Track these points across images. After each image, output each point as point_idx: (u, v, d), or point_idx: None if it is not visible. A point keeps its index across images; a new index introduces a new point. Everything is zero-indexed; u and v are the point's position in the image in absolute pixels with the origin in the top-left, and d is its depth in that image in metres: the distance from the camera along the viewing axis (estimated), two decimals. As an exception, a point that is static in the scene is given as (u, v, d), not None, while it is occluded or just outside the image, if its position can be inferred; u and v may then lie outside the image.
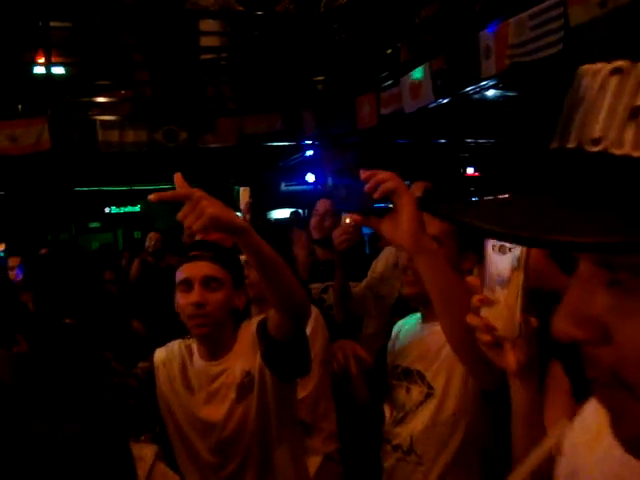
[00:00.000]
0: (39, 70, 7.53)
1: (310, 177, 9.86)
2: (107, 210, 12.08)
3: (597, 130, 0.39)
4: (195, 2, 7.46)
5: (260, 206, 7.65)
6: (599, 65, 0.41)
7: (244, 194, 4.63)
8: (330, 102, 7.76)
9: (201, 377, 1.97)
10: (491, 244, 1.05)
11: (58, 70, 7.71)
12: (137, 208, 11.65)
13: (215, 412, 1.93)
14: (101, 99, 7.45)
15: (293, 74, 7.89)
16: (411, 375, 1.85)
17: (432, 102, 6.08)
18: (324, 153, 8.47)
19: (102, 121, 7.04)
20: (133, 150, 7.05)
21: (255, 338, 1.90)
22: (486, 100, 6.33)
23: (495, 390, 1.42)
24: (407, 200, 1.40)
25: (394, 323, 2.15)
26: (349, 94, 7.51)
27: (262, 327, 1.88)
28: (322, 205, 3.59)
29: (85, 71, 7.91)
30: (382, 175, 1.41)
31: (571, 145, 0.41)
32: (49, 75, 7.18)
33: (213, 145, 7.33)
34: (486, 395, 1.57)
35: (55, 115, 6.94)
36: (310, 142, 8.25)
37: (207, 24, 7.62)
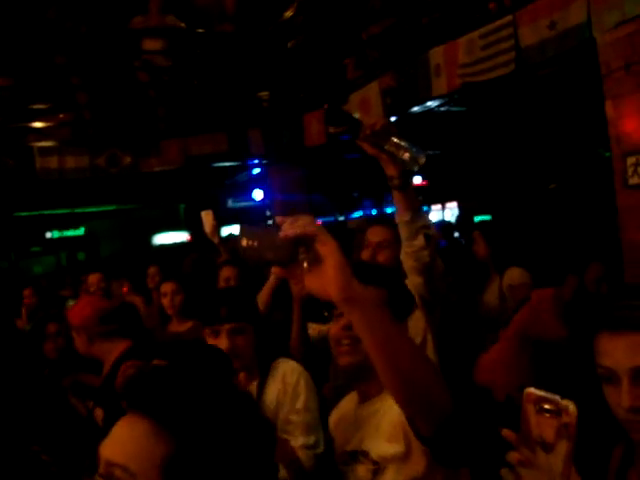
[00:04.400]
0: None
1: (257, 194, 9.75)
2: (49, 235, 11.64)
3: None
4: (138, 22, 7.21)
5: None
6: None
7: (207, 217, 4.46)
8: (277, 119, 7.62)
9: None
10: (532, 400, 1.00)
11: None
12: (80, 231, 11.27)
13: None
14: (38, 124, 7.14)
15: (237, 91, 7.72)
16: (356, 457, 1.76)
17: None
18: (271, 170, 8.33)
19: (40, 147, 6.74)
20: (74, 176, 6.78)
21: None
22: (432, 112, 6.31)
23: (434, 433, 1.33)
24: (331, 247, 1.21)
25: None
26: (296, 111, 7.39)
27: None
28: (375, 233, 2.77)
29: (20, 94, 7.57)
30: (300, 220, 1.23)
31: None
32: (-18, 100, 6.85)
33: (158, 169, 7.12)
34: (426, 440, 1.45)
35: (-11, 142, 6.63)
36: (257, 160, 8.12)
37: (150, 43, 7.38)
